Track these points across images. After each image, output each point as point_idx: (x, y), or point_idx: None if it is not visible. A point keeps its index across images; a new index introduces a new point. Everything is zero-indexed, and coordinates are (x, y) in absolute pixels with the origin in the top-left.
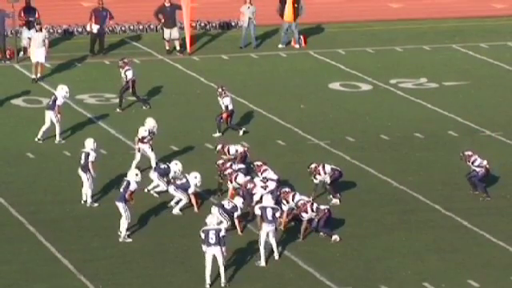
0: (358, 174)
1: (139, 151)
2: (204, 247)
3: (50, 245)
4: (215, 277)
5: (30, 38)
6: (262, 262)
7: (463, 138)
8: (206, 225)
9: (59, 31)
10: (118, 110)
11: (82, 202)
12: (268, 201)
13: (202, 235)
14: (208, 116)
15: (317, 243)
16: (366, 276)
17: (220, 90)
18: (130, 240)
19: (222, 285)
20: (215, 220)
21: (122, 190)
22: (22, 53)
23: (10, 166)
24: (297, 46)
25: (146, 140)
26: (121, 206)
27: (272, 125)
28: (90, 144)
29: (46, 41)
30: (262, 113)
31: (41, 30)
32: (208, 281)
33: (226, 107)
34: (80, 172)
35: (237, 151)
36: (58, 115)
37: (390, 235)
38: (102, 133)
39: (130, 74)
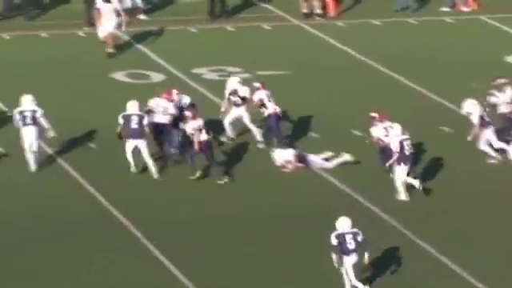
0: None
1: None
2: (335, 257)
3: None
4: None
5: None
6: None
7: None
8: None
9: None
10: None
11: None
12: None
13: (335, 241)
14: (351, 94)
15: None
16: None
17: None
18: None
19: None
20: (348, 222)
21: (136, 125)
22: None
23: None
24: (465, 9)
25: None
26: (139, 142)
27: (435, 107)
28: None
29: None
30: (421, 92)
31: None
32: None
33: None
34: (26, 129)
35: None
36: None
37: None
38: None
39: None
